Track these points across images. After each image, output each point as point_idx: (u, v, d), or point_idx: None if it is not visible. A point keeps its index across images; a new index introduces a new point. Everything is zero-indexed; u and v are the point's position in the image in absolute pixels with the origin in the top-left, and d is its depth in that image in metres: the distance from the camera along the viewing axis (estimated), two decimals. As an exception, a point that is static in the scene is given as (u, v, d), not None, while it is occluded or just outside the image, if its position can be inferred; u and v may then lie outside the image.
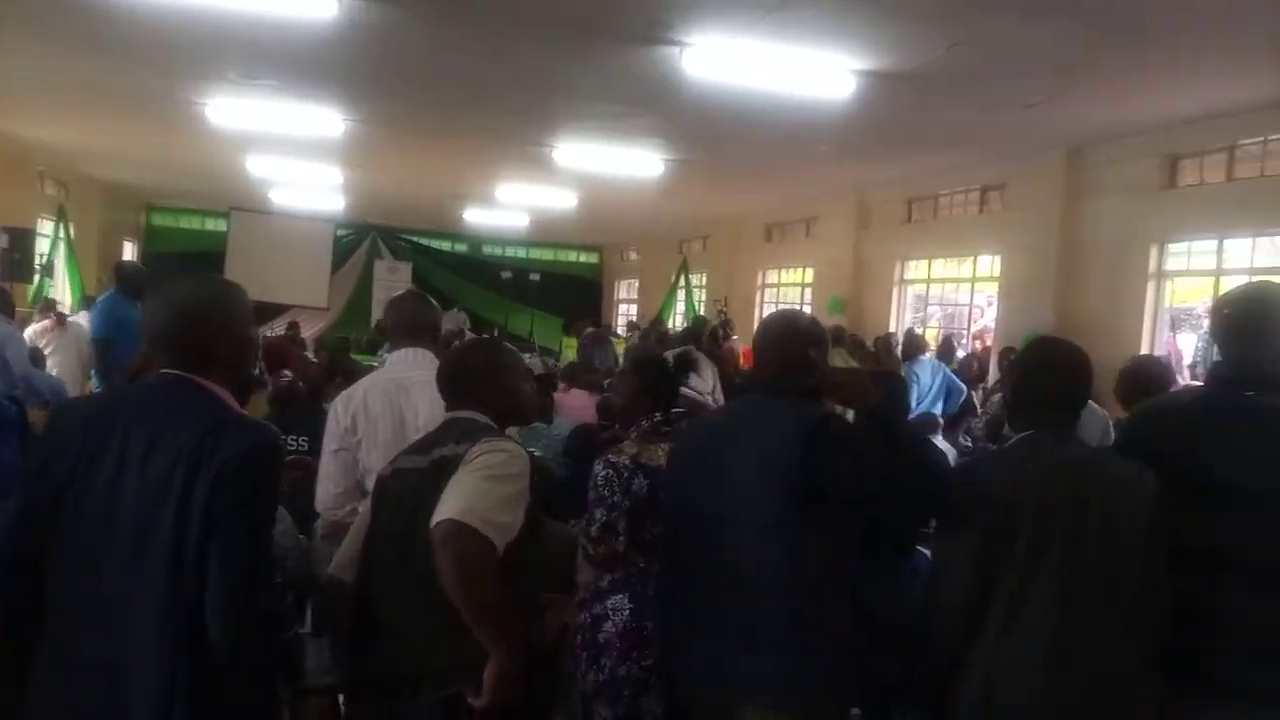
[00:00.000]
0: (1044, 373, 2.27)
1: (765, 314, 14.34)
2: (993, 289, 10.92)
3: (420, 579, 2.00)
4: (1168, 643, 2.12)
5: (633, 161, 10.88)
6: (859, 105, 7.50)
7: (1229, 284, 8.20)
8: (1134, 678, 2.08)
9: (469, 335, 12.11)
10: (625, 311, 21.93)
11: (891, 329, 11.40)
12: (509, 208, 15.97)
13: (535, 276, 18.57)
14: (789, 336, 2.40)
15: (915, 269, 12.51)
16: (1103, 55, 6.29)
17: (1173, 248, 8.49)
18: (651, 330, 12.26)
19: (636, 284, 21.76)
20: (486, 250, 21.49)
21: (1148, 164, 8.44)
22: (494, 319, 18.62)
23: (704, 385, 4.34)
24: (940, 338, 10.37)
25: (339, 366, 7.05)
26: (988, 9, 5.56)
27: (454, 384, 2.32)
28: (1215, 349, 2.43)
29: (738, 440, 2.30)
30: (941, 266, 12.22)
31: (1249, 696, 2.12)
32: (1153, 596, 2.10)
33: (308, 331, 15.64)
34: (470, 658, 1.98)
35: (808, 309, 14.50)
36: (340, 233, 19.47)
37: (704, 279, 17.60)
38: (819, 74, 6.91)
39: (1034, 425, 2.26)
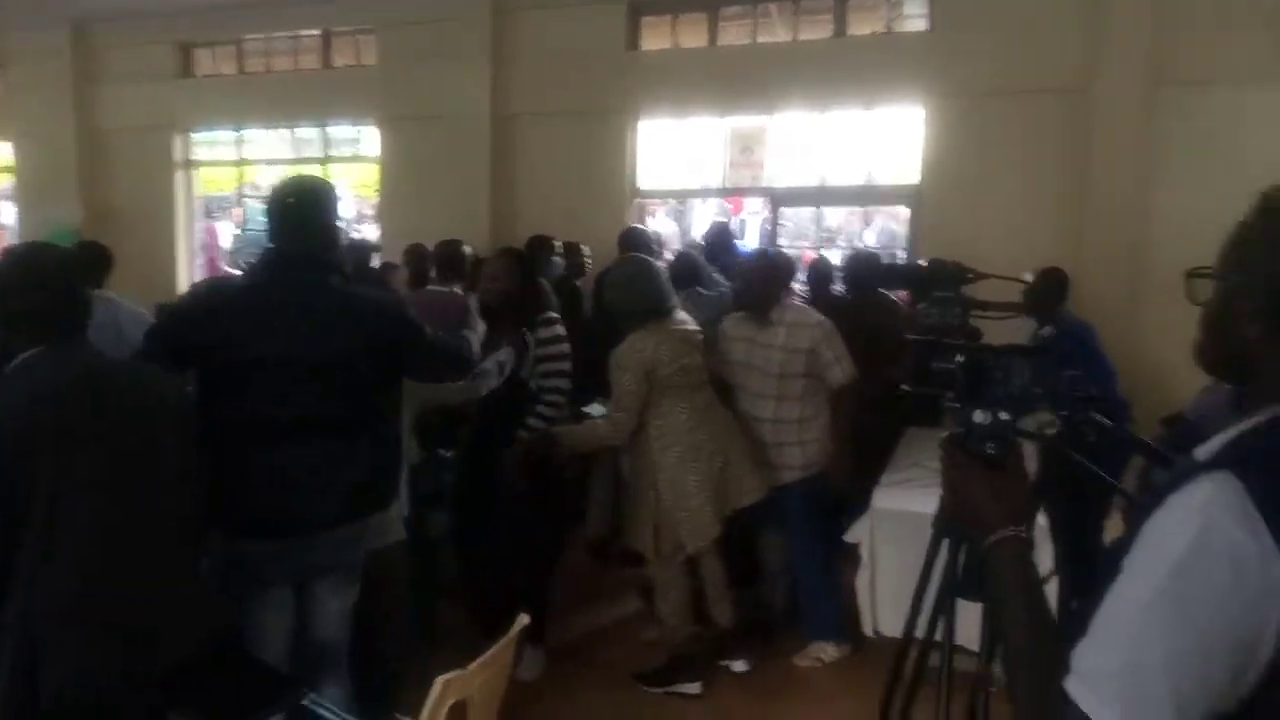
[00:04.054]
0: (30, 284, 2.03)
1: None
2: (10, 181, 9.61)
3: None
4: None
5: None
6: None
7: (253, 173, 8.77)
8: (179, 558, 2.13)
9: None
10: None
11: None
12: None
13: None
14: None
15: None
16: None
17: (196, 137, 8.62)
18: None
19: None
20: None
21: (162, 50, 8.31)
22: None
23: None
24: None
25: None
26: None
27: None
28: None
29: None
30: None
31: (316, 530, 2.41)
32: (189, 480, 2.16)
33: None
34: None
35: None
36: None
37: None
38: None
39: (38, 341, 2.03)
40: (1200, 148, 5.51)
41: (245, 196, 8.92)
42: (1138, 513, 1.00)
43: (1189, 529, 0.90)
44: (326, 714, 1.98)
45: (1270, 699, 0.88)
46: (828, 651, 3.82)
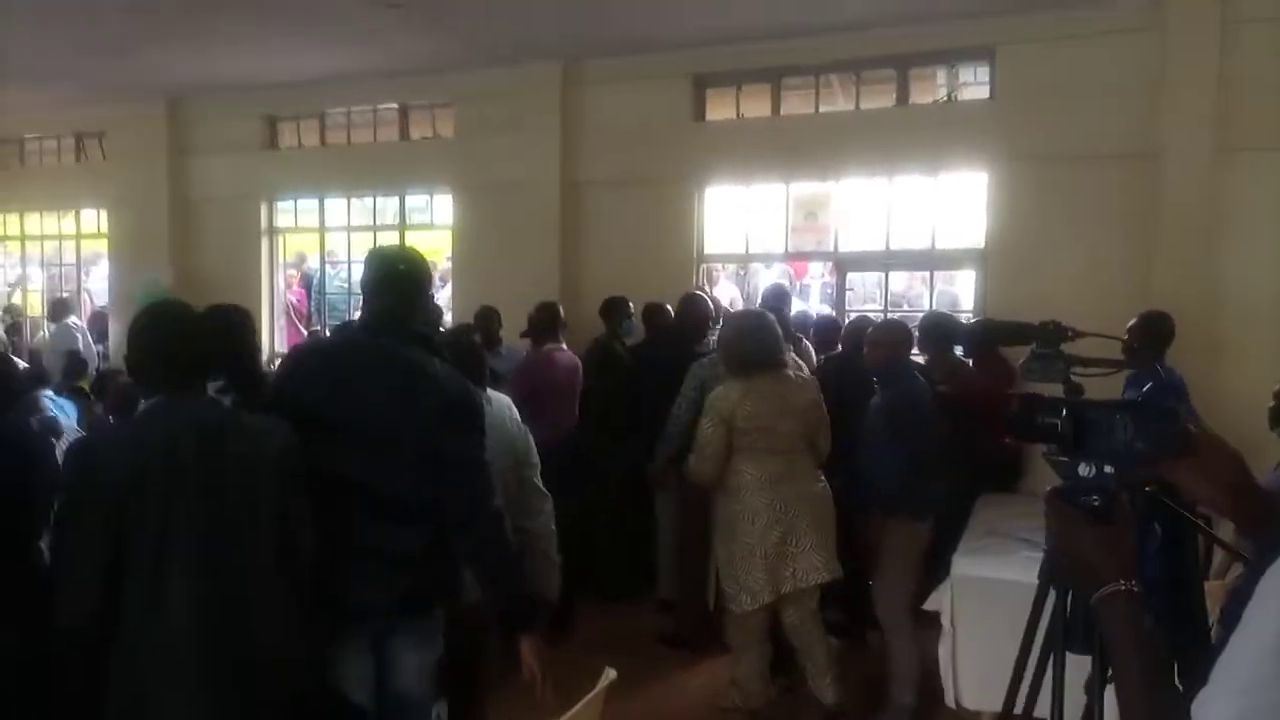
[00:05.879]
0: (151, 339, 2.18)
1: None
2: (103, 245, 10.09)
3: None
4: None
5: None
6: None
7: (333, 239, 9.12)
8: (283, 616, 2.20)
9: None
10: None
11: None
12: None
13: None
14: None
15: (6, 224, 10.79)
16: (188, 8, 6.18)
17: (281, 205, 9.01)
18: None
19: None
20: None
21: (250, 123, 8.74)
22: None
23: None
24: (50, 301, 9.39)
25: None
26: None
27: None
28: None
29: None
30: (40, 222, 10.75)
31: (381, 617, 2.41)
32: (297, 535, 2.23)
33: None
34: None
35: None
36: None
37: None
38: None
39: (159, 390, 2.17)
40: (1270, 212, 5.46)
41: (326, 262, 9.27)
42: (1254, 566, 1.03)
43: None
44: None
45: None
46: None
